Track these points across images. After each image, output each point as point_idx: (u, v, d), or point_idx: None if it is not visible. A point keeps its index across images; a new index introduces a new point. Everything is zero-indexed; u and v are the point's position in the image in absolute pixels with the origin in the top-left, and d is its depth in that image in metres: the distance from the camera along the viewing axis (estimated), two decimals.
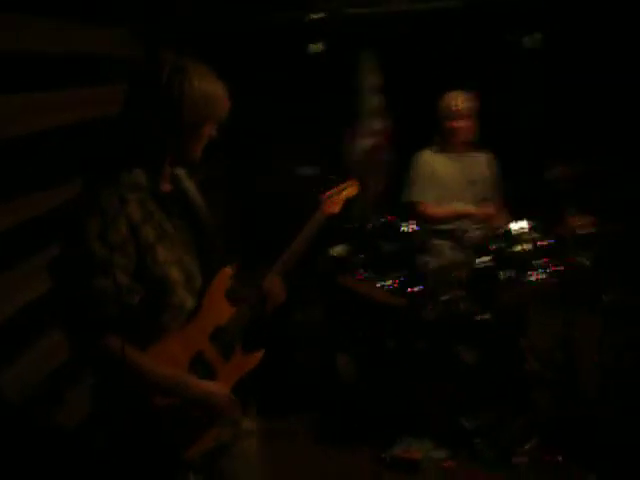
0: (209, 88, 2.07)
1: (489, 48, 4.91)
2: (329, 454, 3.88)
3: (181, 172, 2.34)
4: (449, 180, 4.36)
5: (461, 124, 4.28)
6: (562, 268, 3.80)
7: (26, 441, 2.70)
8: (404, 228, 3.79)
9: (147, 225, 2.05)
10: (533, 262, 3.75)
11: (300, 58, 4.82)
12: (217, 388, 2.17)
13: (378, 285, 3.80)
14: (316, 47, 4.78)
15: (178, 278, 2.12)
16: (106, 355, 1.97)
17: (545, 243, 3.81)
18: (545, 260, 3.77)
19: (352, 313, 4.35)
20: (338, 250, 3.83)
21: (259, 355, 2.35)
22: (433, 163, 4.37)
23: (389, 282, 3.77)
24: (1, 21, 2.67)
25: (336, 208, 2.60)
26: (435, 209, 4.30)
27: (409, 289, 3.79)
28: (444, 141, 4.40)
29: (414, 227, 3.82)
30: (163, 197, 2.16)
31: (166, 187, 2.22)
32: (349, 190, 2.69)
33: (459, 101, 4.28)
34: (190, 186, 2.35)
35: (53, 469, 2.75)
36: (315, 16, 4.67)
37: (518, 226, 3.80)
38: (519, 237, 3.78)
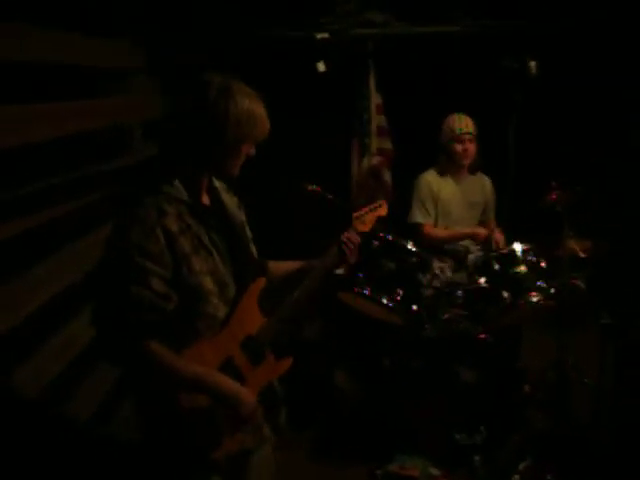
0: (251, 108, 2.16)
1: (487, 72, 4.98)
2: (324, 470, 3.88)
3: (221, 186, 2.44)
4: (451, 202, 4.43)
5: (467, 147, 4.35)
6: (559, 290, 3.87)
7: (42, 435, 2.73)
8: (406, 247, 3.82)
9: (183, 237, 2.14)
10: (532, 284, 3.80)
11: (305, 76, 4.89)
12: (245, 392, 2.23)
13: (378, 303, 3.82)
14: (321, 66, 4.84)
15: (212, 288, 2.21)
16: (144, 358, 2.09)
17: (543, 265, 3.86)
18: (543, 282, 3.82)
19: (351, 330, 4.39)
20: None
21: (288, 362, 2.41)
22: (436, 185, 4.43)
23: (389, 300, 3.80)
24: (3, 30, 2.70)
25: (366, 227, 2.65)
26: (439, 231, 4.37)
27: (409, 307, 3.82)
28: (448, 163, 4.46)
29: (416, 246, 3.85)
30: (201, 210, 2.25)
31: (205, 200, 2.32)
32: (379, 210, 2.72)
33: (466, 124, 4.35)
34: (228, 199, 2.44)
35: (70, 462, 2.79)
36: (320, 36, 4.74)
37: (519, 248, 3.85)
38: (521, 258, 3.83)
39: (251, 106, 2.15)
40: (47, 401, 2.87)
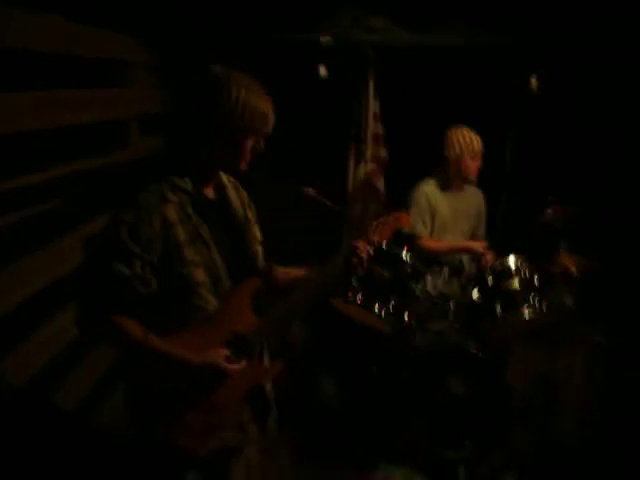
0: (254, 101, 2.17)
1: (488, 85, 4.97)
2: (308, 476, 3.86)
3: (230, 183, 2.45)
4: (447, 214, 4.42)
5: (476, 163, 4.34)
6: (550, 307, 3.86)
7: (31, 423, 2.71)
8: (400, 255, 3.79)
9: (180, 226, 2.17)
10: (524, 299, 3.78)
11: (305, 80, 4.86)
12: (206, 354, 2.18)
13: (369, 311, 3.79)
14: (322, 70, 4.81)
15: (203, 280, 2.21)
16: (111, 330, 2.13)
17: (536, 281, 3.85)
18: (535, 298, 3.81)
19: (341, 336, 4.36)
20: None
21: (278, 366, 2.39)
22: (434, 197, 4.41)
23: (380, 308, 3.77)
24: (28, 20, 2.70)
25: (383, 237, 2.56)
26: (435, 243, 4.35)
27: (400, 317, 3.79)
28: (454, 176, 4.42)
29: (410, 255, 3.82)
30: (204, 203, 2.27)
31: (210, 194, 2.34)
32: (400, 221, 2.61)
33: (480, 142, 4.34)
34: (235, 197, 2.44)
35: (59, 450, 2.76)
36: (323, 39, 4.72)
37: (513, 259, 3.84)
38: (514, 272, 3.81)
39: (253, 100, 2.17)
40: (36, 390, 2.84)
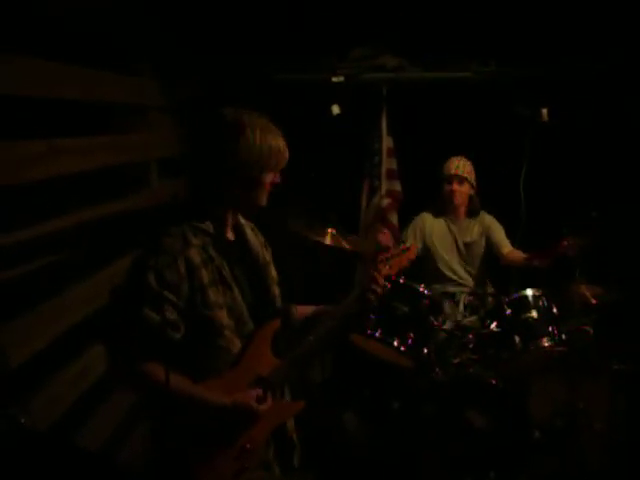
0: (271, 140, 2.21)
1: (499, 118, 5.02)
2: None
3: (247, 224, 2.48)
4: (440, 243, 4.58)
5: (455, 188, 4.49)
6: (569, 336, 3.86)
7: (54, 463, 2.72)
8: (418, 290, 3.81)
9: (204, 269, 2.18)
10: (543, 329, 3.78)
11: (319, 118, 4.93)
12: (237, 396, 2.21)
13: (389, 345, 3.80)
14: (335, 109, 4.90)
15: (227, 322, 2.23)
16: (140, 377, 2.13)
17: (555, 311, 3.86)
18: (554, 327, 3.81)
19: (361, 372, 4.37)
20: None
21: (300, 405, 2.42)
22: (430, 224, 4.62)
23: (400, 343, 3.77)
24: (25, 66, 2.72)
25: (392, 270, 2.59)
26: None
27: (420, 350, 3.79)
28: (441, 203, 4.61)
29: (428, 289, 3.84)
30: (226, 245, 2.30)
31: (230, 236, 2.37)
32: (408, 254, 2.67)
33: (456, 166, 4.49)
34: (253, 238, 2.47)
35: None
36: (336, 79, 4.80)
37: (531, 293, 3.85)
38: (532, 304, 3.82)
39: (266, 137, 2.19)
40: (60, 430, 2.86)
